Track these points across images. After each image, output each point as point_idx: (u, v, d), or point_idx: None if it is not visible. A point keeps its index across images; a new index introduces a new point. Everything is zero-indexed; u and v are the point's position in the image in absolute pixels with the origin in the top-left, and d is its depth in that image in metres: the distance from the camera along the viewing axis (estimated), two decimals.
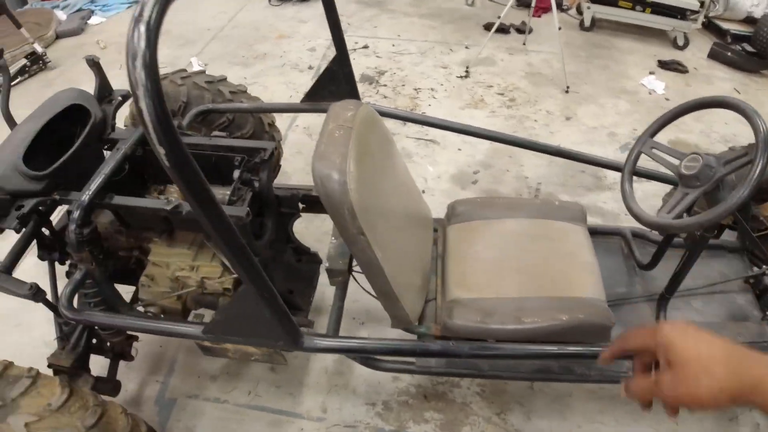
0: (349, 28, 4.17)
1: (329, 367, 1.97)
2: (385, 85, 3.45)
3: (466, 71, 3.55)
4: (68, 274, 1.75)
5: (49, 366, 1.56)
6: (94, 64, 1.68)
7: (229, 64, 3.73)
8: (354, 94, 1.76)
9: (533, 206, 1.73)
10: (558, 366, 1.50)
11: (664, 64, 3.63)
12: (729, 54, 3.63)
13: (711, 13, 3.91)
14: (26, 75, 3.72)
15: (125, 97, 1.76)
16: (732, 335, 1.56)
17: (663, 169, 1.52)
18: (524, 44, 3.88)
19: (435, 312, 1.59)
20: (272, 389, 1.90)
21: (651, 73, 3.59)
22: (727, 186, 1.34)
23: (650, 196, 2.70)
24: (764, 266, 1.72)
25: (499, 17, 3.48)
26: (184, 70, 2.22)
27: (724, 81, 3.56)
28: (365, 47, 3.93)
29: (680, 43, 3.82)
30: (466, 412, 1.83)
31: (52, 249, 1.63)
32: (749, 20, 3.84)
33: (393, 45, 3.91)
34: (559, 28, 3.29)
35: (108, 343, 1.71)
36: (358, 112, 1.30)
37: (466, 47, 3.88)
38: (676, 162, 1.42)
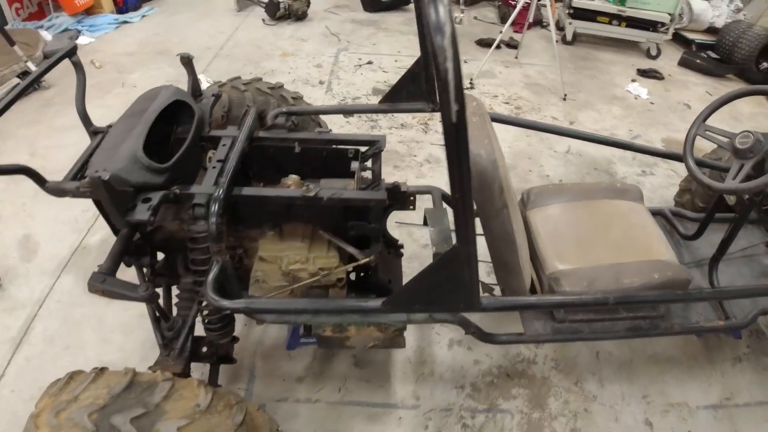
0: (350, 45, 4.33)
1: (411, 358, 2.03)
2: None
3: (471, 83, 3.79)
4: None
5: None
6: (188, 63, 1.69)
7: None
8: (434, 95, 1.88)
9: (599, 189, 1.92)
10: (646, 323, 1.67)
11: (643, 73, 4.05)
12: (698, 61, 4.11)
13: (678, 25, 4.41)
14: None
15: (217, 97, 1.78)
16: None
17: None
18: (516, 58, 4.19)
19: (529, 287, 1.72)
20: (362, 384, 1.94)
21: (633, 80, 3.99)
22: None
23: (657, 187, 3.01)
24: None
25: (501, 32, 3.77)
26: (239, 77, 2.26)
27: (697, 86, 4.01)
28: (370, 63, 4.09)
29: (653, 53, 4.28)
30: (547, 385, 1.95)
31: (142, 253, 1.60)
32: (711, 30, 4.37)
33: (396, 60, 4.10)
34: (557, 41, 3.61)
35: (205, 349, 1.69)
36: (478, 102, 1.43)
37: (465, 61, 4.13)
38: (725, 140, 1.68)
